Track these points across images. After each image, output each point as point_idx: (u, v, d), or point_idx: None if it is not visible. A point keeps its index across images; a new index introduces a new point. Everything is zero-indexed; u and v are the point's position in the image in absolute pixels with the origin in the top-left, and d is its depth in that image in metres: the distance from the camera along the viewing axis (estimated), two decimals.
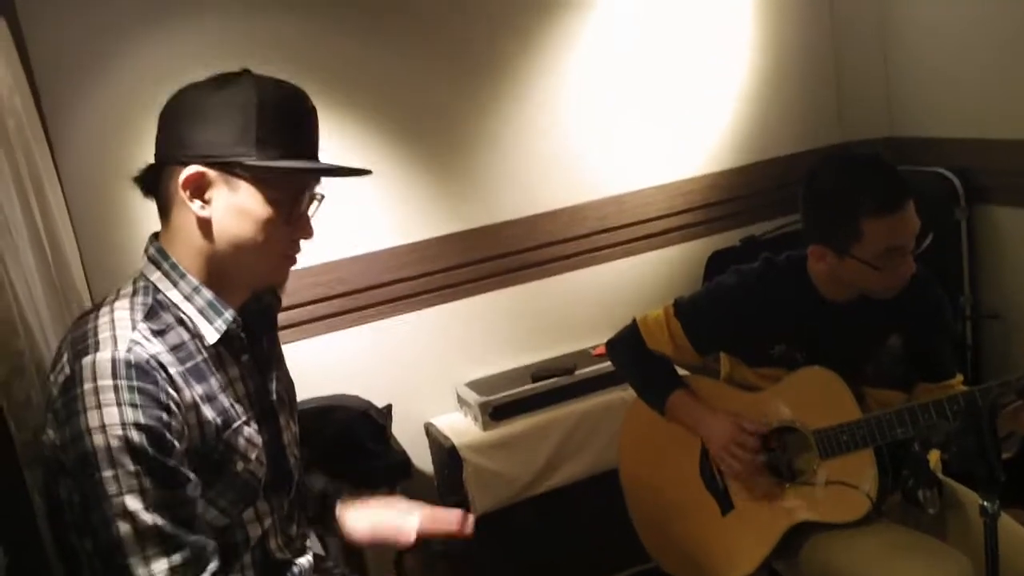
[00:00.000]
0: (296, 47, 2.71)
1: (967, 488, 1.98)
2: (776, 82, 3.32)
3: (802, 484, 2.00)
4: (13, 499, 1.53)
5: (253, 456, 1.42)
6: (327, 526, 1.72)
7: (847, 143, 3.40)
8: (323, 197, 1.44)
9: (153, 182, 1.40)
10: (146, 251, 1.42)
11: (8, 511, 1.52)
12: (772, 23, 3.29)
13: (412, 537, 1.67)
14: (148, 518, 1.23)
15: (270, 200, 1.35)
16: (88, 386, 1.25)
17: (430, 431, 2.94)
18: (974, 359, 3.07)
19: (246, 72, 1.38)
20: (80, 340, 1.31)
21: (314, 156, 1.41)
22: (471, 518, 1.70)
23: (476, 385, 2.93)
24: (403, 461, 2.66)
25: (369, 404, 2.70)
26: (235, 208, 1.35)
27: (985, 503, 1.51)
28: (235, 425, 1.39)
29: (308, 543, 1.60)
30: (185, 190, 1.33)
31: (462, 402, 2.95)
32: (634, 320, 2.20)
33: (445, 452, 2.77)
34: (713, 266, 3.20)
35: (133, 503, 1.22)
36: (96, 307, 1.39)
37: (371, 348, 2.90)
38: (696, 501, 2.14)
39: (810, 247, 1.95)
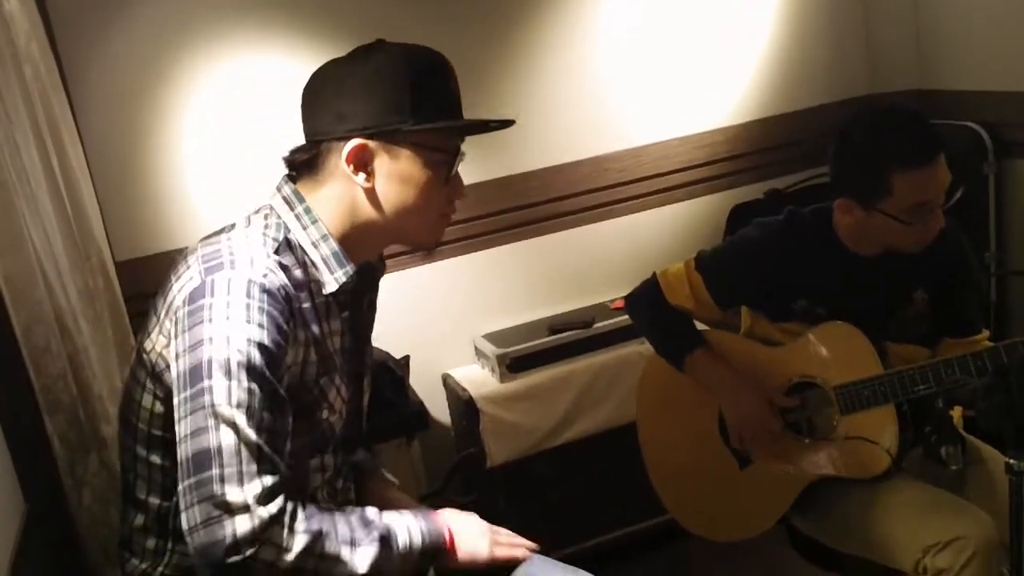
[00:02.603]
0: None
1: (990, 445, 1.96)
2: (803, 32, 3.25)
3: (821, 440, 1.99)
4: (34, 446, 1.54)
5: (338, 409, 1.47)
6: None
7: (874, 95, 3.34)
8: (464, 154, 1.47)
9: (307, 160, 1.43)
10: (279, 188, 1.45)
11: (29, 458, 1.54)
12: None
13: None
14: (252, 435, 1.23)
15: (429, 163, 1.41)
16: (220, 299, 1.28)
17: (447, 382, 2.95)
18: (999, 316, 3.03)
19: (380, 42, 1.42)
20: (214, 255, 1.34)
21: (460, 113, 1.45)
22: None
23: (494, 337, 2.93)
24: (420, 412, 2.67)
25: (387, 355, 2.71)
26: (397, 175, 1.40)
27: (1012, 461, 1.50)
28: (331, 374, 1.43)
29: (351, 496, 1.63)
30: (349, 164, 1.38)
31: (480, 354, 2.95)
32: (654, 274, 2.18)
33: (462, 403, 2.78)
34: (735, 219, 3.16)
35: (240, 418, 1.23)
36: (224, 230, 1.42)
37: (389, 299, 2.84)
38: (714, 455, 2.13)
39: (837, 200, 1.92)
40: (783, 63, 3.25)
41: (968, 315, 2.02)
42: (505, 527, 1.54)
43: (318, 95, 1.42)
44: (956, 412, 2.16)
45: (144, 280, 2.36)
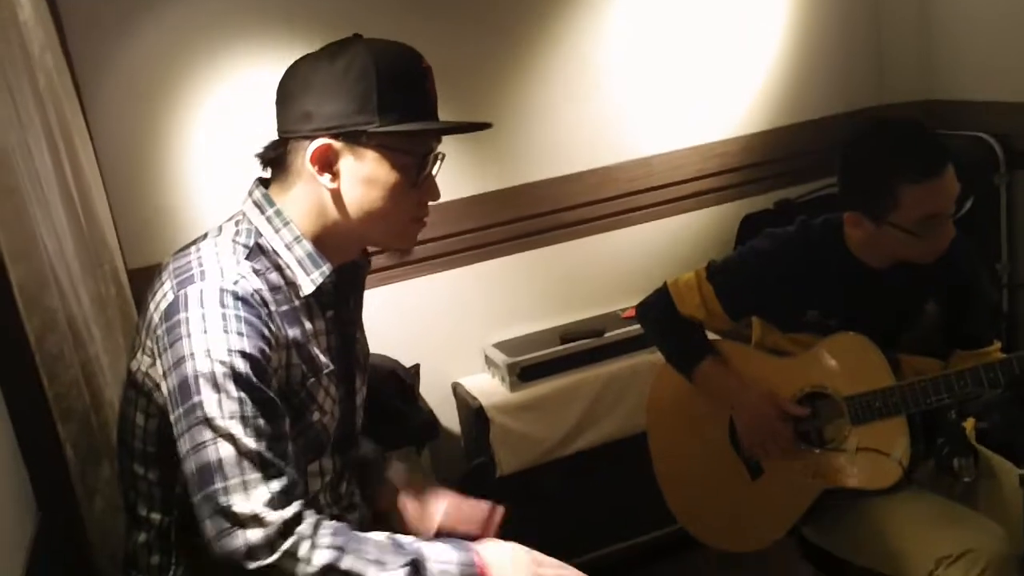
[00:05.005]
0: (320, 5, 2.68)
1: (1002, 457, 1.95)
2: (813, 43, 3.25)
3: (832, 450, 1.98)
4: (47, 454, 1.55)
5: (329, 409, 1.45)
6: (362, 490, 1.72)
7: (884, 106, 3.33)
8: (444, 156, 1.44)
9: (276, 156, 1.43)
10: (250, 193, 1.45)
11: (42, 467, 1.54)
12: None
13: (433, 527, 1.63)
14: (251, 443, 1.22)
15: (396, 166, 1.37)
16: (195, 312, 1.27)
17: (457, 391, 2.95)
18: (1010, 327, 3.02)
19: (357, 37, 1.39)
20: (185, 269, 1.33)
21: (434, 115, 1.42)
22: (498, 514, 1.67)
23: (504, 346, 2.93)
24: (430, 421, 2.67)
25: (397, 363, 2.71)
26: (363, 177, 1.37)
27: None
28: (319, 375, 1.42)
29: (356, 500, 1.61)
30: (314, 165, 1.36)
31: (490, 363, 2.95)
32: (665, 284, 2.18)
33: (472, 412, 2.78)
34: (746, 229, 3.15)
35: (235, 428, 1.22)
36: (196, 241, 1.42)
37: (399, 308, 2.89)
38: (725, 465, 2.13)
39: (846, 214, 1.92)
40: (793, 74, 3.25)
41: (979, 327, 2.01)
42: (513, 537, 1.51)
43: (288, 92, 1.39)
44: (968, 424, 2.15)
45: None
